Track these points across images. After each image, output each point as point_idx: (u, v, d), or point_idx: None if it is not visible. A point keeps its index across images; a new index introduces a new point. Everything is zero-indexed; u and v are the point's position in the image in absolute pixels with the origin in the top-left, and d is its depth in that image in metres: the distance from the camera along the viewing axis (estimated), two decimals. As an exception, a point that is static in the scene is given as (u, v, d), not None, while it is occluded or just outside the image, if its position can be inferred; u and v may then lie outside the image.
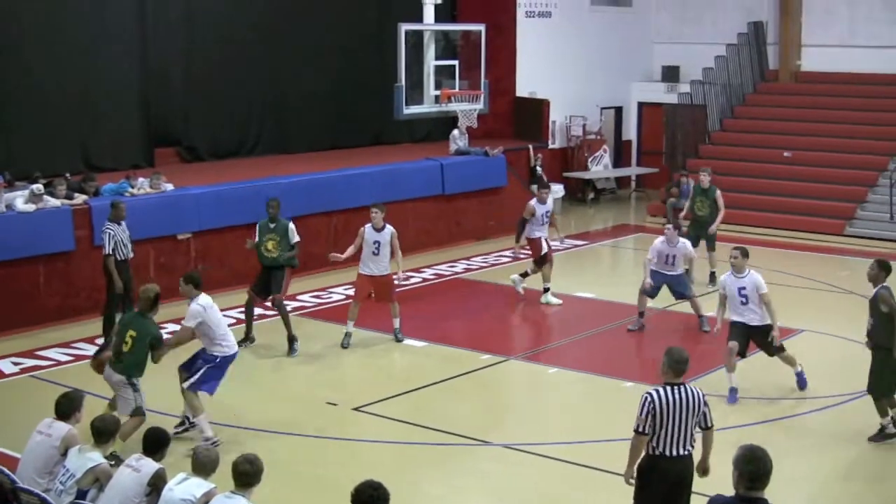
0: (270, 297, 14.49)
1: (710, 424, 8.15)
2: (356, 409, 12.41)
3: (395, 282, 14.87)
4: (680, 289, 15.67)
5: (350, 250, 14.66)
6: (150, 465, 7.87)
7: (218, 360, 11.07)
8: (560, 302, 17.18)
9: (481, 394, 13.56)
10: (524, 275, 17.51)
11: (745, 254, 12.63)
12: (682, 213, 18.97)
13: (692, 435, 7.98)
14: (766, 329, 12.46)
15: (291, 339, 14.34)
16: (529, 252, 17.92)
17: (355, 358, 14.47)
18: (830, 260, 20.83)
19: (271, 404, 12.62)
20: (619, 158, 29.51)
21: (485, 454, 11.32)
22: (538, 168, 24.57)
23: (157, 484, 7.74)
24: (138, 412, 10.54)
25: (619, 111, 29.68)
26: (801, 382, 12.80)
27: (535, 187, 19.67)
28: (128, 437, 10.19)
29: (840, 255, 21.46)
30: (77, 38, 19.14)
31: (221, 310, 11.48)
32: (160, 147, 20.89)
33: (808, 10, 27.90)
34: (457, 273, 19.65)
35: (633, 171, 29.56)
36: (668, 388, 7.94)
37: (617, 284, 18.37)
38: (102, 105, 19.65)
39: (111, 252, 14.44)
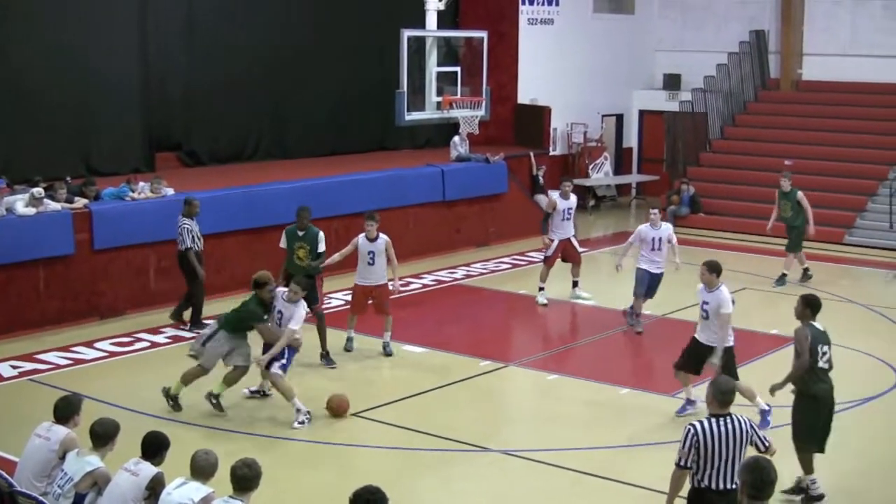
0: (311, 309, 13.87)
1: (767, 446, 7.73)
2: (355, 414, 12.39)
3: (391, 288, 14.57)
4: (655, 288, 15.70)
5: (335, 256, 14.52)
6: (148, 469, 7.85)
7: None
8: (589, 296, 17.51)
9: (480, 400, 13.54)
10: (575, 284, 17.73)
11: (713, 269, 11.71)
12: (773, 218, 19.16)
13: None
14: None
15: (327, 354, 14.24)
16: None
17: (355, 363, 14.45)
18: (830, 268, 20.81)
19: (270, 409, 12.59)
20: (620, 166, 29.51)
21: (484, 460, 11.32)
22: (540, 177, 24.51)
23: (155, 488, 7.73)
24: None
25: (620, 119, 29.68)
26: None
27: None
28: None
29: (840, 263, 21.45)
30: (78, 42, 19.11)
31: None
32: (161, 151, 20.87)
33: (810, 20, 27.91)
34: (457, 279, 19.64)
35: (633, 178, 29.56)
36: (714, 420, 7.58)
37: (616, 292, 18.32)
38: (103, 109, 19.63)
39: (190, 245, 15.07)
